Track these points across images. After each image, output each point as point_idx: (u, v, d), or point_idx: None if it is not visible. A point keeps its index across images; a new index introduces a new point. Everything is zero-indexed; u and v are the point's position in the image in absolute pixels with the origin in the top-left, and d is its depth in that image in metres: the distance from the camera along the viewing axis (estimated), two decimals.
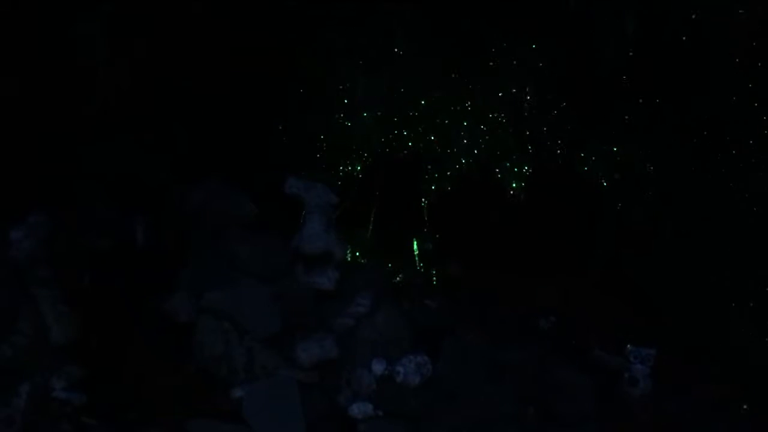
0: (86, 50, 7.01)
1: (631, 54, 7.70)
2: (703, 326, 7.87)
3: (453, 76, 8.28)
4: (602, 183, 8.53)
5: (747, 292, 8.03)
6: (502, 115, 8.42)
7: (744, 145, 8.08)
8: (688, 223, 8.20)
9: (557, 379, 6.92)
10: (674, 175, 8.27)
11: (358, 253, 8.81)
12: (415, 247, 9.35)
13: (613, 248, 8.56)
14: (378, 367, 6.63)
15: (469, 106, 8.42)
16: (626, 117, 8.38)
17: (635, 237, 8.40)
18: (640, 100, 8.26)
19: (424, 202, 9.25)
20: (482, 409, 6.55)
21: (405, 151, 8.75)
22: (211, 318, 6.53)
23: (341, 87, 8.30)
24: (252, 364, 6.42)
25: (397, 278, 8.79)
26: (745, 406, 7.15)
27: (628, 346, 7.21)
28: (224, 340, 6.45)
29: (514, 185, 8.54)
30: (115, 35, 7.09)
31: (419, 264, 9.30)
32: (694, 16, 7.58)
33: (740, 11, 7.45)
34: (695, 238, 8.12)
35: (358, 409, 6.39)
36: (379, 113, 8.34)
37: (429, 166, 8.84)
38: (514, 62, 8.27)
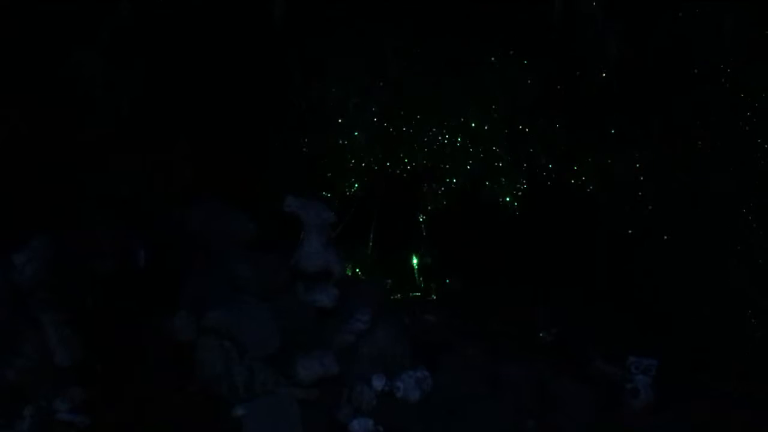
0: (85, 77, 7.12)
1: (617, 70, 7.79)
2: (705, 336, 7.85)
3: (445, 94, 8.35)
4: (596, 195, 8.57)
5: (748, 301, 8.01)
6: (495, 132, 8.49)
7: (738, 155, 8.10)
8: (685, 233, 8.21)
9: (558, 392, 6.93)
10: (668, 186, 8.30)
11: (357, 270, 8.86)
12: (414, 262, 9.41)
13: (609, 259, 8.57)
14: (378, 383, 6.67)
15: (461, 123, 8.50)
16: (616, 130, 8.44)
17: (632, 248, 8.41)
18: (630, 113, 8.31)
19: (422, 218, 9.32)
20: (482, 423, 6.57)
21: (401, 169, 8.82)
22: (211, 337, 6.58)
23: (336, 108, 8.39)
24: (252, 382, 6.45)
25: (397, 294, 8.83)
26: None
27: (630, 357, 7.21)
28: (225, 359, 6.49)
29: (508, 200, 8.60)
30: (113, 62, 7.20)
31: (418, 279, 9.36)
32: (677, 33, 7.68)
33: (722, 28, 7.54)
34: (693, 249, 8.12)
35: (359, 425, 6.42)
36: (373, 132, 8.42)
37: (425, 183, 8.92)
38: (505, 79, 8.35)
